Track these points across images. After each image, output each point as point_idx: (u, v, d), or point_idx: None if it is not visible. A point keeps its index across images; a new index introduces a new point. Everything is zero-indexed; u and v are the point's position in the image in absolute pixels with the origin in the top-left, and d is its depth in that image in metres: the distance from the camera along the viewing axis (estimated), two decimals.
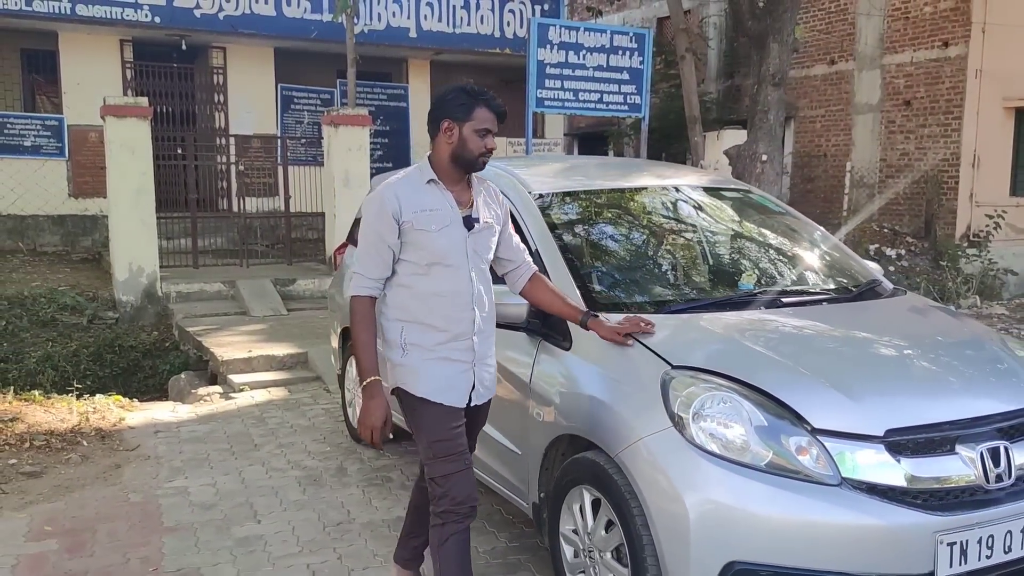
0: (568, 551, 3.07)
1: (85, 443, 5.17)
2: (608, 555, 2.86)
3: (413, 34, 14.42)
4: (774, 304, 3.32)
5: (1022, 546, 2.63)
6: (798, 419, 2.61)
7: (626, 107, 12.43)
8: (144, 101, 8.64)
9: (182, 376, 7.18)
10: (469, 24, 14.87)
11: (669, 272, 3.66)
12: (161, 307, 8.75)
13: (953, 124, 14.10)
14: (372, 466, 4.88)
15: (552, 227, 3.52)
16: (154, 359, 8.10)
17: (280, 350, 7.21)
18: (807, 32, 16.39)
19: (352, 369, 5.26)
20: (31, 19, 12.03)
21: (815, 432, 2.58)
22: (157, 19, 12.62)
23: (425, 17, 14.51)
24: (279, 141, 12.66)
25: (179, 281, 9.13)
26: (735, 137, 12.02)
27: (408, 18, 14.36)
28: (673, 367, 2.79)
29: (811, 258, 3.83)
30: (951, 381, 2.92)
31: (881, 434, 2.57)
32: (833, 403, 2.65)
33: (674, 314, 3.19)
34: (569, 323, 3.13)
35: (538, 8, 15.37)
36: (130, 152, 8.46)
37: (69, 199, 12.31)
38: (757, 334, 3.06)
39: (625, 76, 12.25)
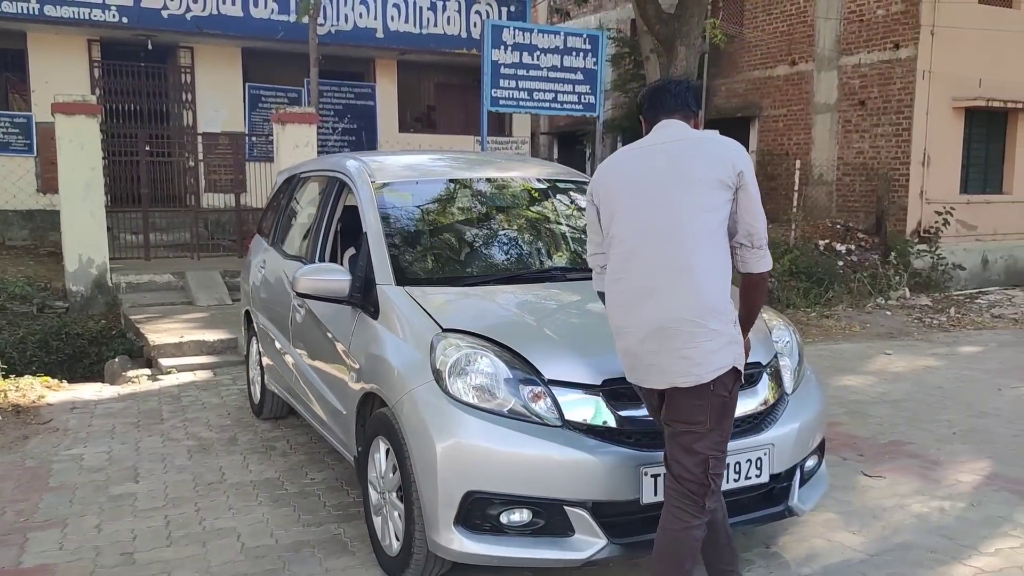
0: (373, 495, 3.48)
1: (1, 417, 5.58)
2: (394, 495, 3.27)
3: (380, 35, 14.81)
4: (560, 279, 3.74)
5: (728, 479, 3.01)
6: (535, 371, 3.00)
7: (580, 106, 12.80)
8: (92, 99, 9.05)
9: (116, 360, 7.58)
10: (436, 25, 15.25)
11: (476, 252, 4.07)
12: (111, 297, 9.16)
13: (904, 124, 14.43)
14: (262, 437, 5.28)
15: (383, 211, 3.92)
16: (100, 346, 8.48)
17: (213, 336, 7.61)
18: (768, 34, 16.76)
19: (255, 348, 5.68)
20: (2, 20, 12.47)
21: (547, 382, 2.98)
22: (124, 19, 13.03)
23: (392, 18, 14.90)
24: (247, 139, 13.10)
25: (129, 272, 9.54)
26: None
27: (375, 19, 14.75)
28: (443, 330, 3.19)
29: None
30: None
31: (599, 383, 2.97)
32: (565, 358, 3.05)
33: (468, 286, 3.60)
34: (379, 296, 3.53)
35: (504, 10, 15.71)
36: (79, 147, 8.86)
37: (38, 194, 12.72)
38: (528, 303, 3.50)
39: (579, 76, 12.61)
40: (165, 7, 13.20)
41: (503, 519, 2.94)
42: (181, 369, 7.05)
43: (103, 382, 7.18)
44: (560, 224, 4.29)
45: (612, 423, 2.97)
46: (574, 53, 12.52)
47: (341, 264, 4.44)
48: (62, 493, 4.31)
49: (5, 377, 6.41)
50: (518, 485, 2.90)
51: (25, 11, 12.42)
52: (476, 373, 3.04)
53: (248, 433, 5.36)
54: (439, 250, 4.02)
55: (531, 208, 4.33)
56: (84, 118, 8.89)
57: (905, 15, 14.28)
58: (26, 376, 6.59)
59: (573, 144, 21.94)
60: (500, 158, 4.92)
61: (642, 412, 2.97)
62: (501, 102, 12.23)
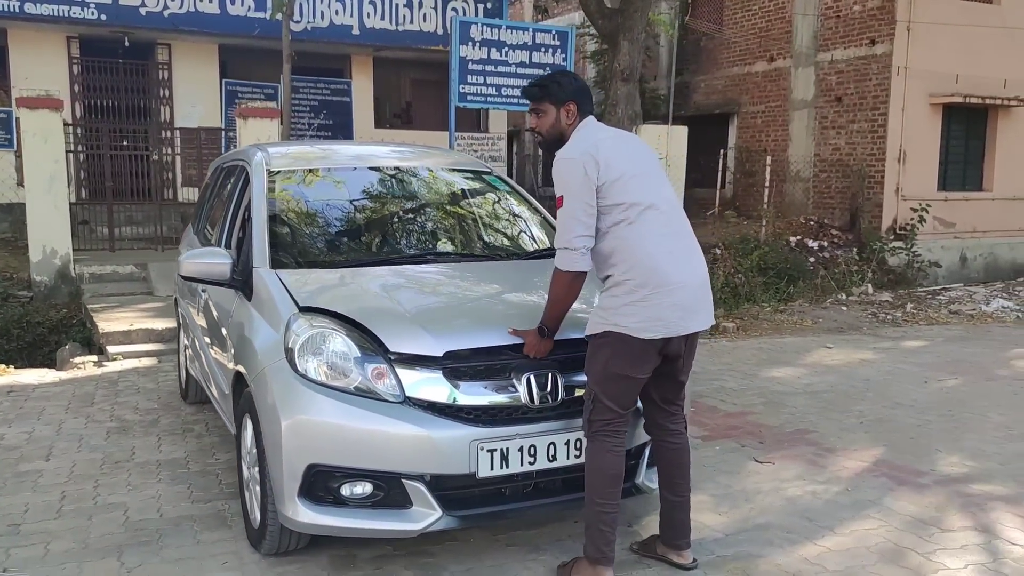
0: (244, 471, 3.61)
1: None
2: (255, 469, 3.39)
3: (356, 31, 14.95)
4: (435, 261, 3.88)
5: (568, 456, 3.14)
6: (380, 347, 3.13)
7: None
8: (56, 93, 9.21)
9: (67, 347, 7.74)
10: (412, 22, 15.37)
11: (359, 237, 4.20)
12: (74, 287, 9.32)
13: (879, 120, 14.47)
14: (184, 420, 5.42)
15: (270, 197, 4.05)
16: (60, 334, 8.64)
17: (163, 324, 7.76)
18: (747, 30, 16.82)
19: (181, 335, 5.82)
20: None
21: (390, 358, 3.09)
22: (103, 16, 13.21)
23: (368, 15, 15.03)
24: (223, 133, 13.24)
25: (93, 263, 9.72)
26: (651, 132, 12.44)
27: (351, 16, 14.89)
28: (300, 309, 3.31)
29: (508, 228, 4.37)
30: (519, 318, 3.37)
31: (440, 355, 3.10)
32: (411, 333, 3.19)
33: (344, 269, 3.73)
34: (255, 278, 3.66)
35: (480, 7, 15.82)
36: (43, 141, 9.03)
37: (18, 188, 12.87)
38: (394, 284, 3.61)
39: (546, 72, 12.72)
40: (143, 5, 13.37)
41: (344, 491, 3.06)
42: (128, 356, 7.21)
43: (55, 368, 7.33)
44: (448, 210, 4.42)
45: (450, 400, 3.08)
46: (543, 49, 12.59)
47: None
48: None
49: None
50: (358, 459, 3.03)
51: (5, 8, 12.62)
52: (325, 352, 3.16)
53: (171, 416, 5.50)
54: (322, 236, 4.16)
55: (422, 196, 4.45)
56: (47, 112, 9.06)
57: (881, 11, 14.32)
58: None
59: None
60: (413, 150, 5.01)
61: (479, 390, 3.10)
62: (469, 98, 12.32)
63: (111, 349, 7.32)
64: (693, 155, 18.59)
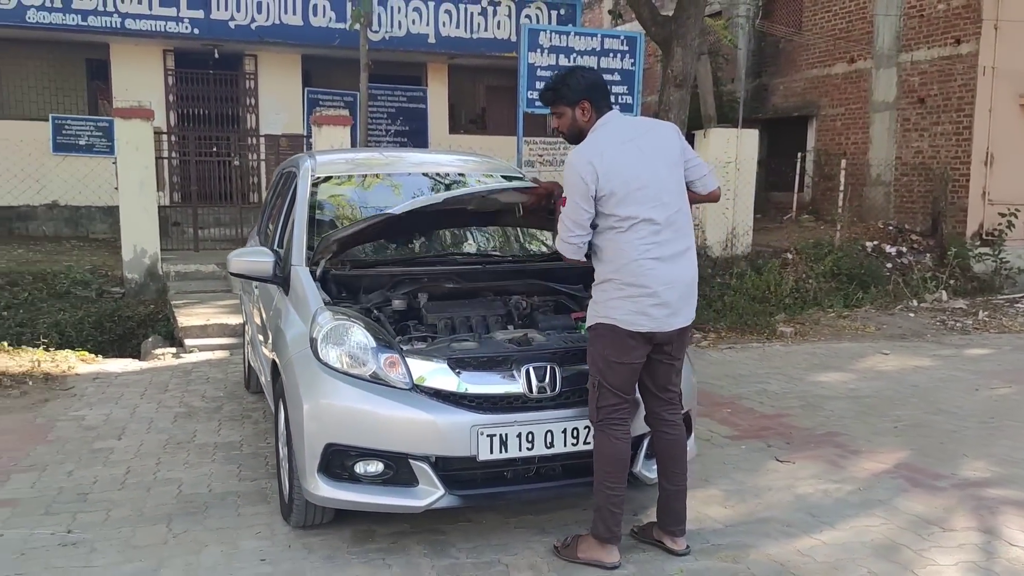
0: (280, 451, 3.95)
1: (31, 383, 6.34)
2: (287, 449, 3.72)
3: (432, 40, 15.43)
4: (452, 263, 4.17)
5: (564, 443, 3.37)
6: (393, 339, 3.41)
7: (618, 107, 13.03)
8: (147, 104, 9.88)
9: (150, 339, 8.34)
10: (486, 30, 15.76)
11: (390, 238, 4.51)
12: (161, 284, 9.98)
13: (965, 122, 14.07)
14: (244, 408, 5.84)
15: (312, 201, 4.40)
16: (147, 328, 9.29)
17: (236, 320, 8.25)
18: (827, 31, 16.56)
19: (249, 329, 6.26)
20: (87, 33, 13.66)
21: (403, 352, 3.38)
22: (196, 31, 14.05)
23: (443, 24, 15.49)
24: (305, 140, 13.87)
25: (179, 262, 10.37)
26: (720, 136, 12.48)
27: (427, 25, 15.38)
28: (325, 303, 3.63)
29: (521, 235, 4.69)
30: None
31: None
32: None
33: (367, 268, 4.06)
34: (291, 275, 4.00)
35: (554, 13, 16.08)
36: (135, 148, 9.71)
37: (115, 192, 13.80)
38: (405, 280, 3.90)
39: (616, 77, 12.85)
40: (232, 18, 14.15)
41: (358, 469, 3.36)
42: (203, 349, 7.73)
43: (138, 359, 7.92)
44: (475, 215, 4.70)
45: (453, 388, 3.35)
46: (611, 55, 12.76)
47: None
48: (55, 445, 4.96)
49: (46, 350, 7.21)
50: (370, 440, 3.32)
51: (109, 25, 13.57)
52: (345, 343, 3.46)
53: (233, 404, 5.93)
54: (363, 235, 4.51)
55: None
56: (139, 122, 9.73)
57: (967, 9, 13.92)
58: (65, 350, 7.38)
59: None
60: (453, 158, 5.31)
61: (481, 379, 3.36)
62: (536, 103, 12.59)
63: (188, 342, 7.86)
64: (771, 158, 18.52)
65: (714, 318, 9.43)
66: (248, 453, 4.86)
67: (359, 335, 3.46)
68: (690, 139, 14.65)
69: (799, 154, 16.39)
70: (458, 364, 3.39)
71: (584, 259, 3.40)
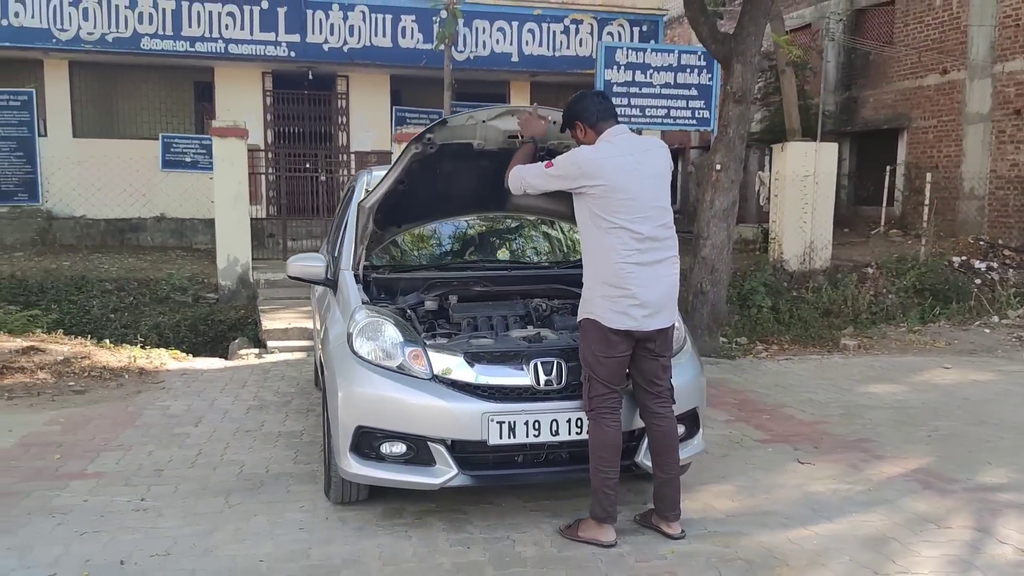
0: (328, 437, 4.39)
1: (127, 376, 7.03)
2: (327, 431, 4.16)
3: (515, 59, 15.90)
4: (481, 268, 4.55)
5: (569, 432, 3.69)
6: (418, 335, 3.81)
7: (694, 121, 13.30)
8: (242, 123, 10.66)
9: (236, 341, 9.02)
10: (568, 48, 16.14)
11: (431, 246, 4.92)
12: (252, 291, 10.72)
13: None
14: (311, 402, 6.34)
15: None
16: (237, 331, 10.02)
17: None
18: (919, 42, 16.25)
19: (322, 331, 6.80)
20: (195, 58, 14.69)
21: (426, 346, 3.77)
22: (292, 54, 14.92)
23: (527, 43, 15.94)
24: (392, 157, 14.55)
25: (268, 270, 11.09)
26: (798, 149, 12.47)
27: (511, 44, 15.87)
28: (363, 302, 4.06)
29: (546, 242, 5.04)
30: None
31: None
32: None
33: (404, 272, 4.48)
34: (339, 278, 4.46)
35: (636, 30, 16.32)
36: (230, 165, 10.49)
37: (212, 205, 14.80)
38: (438, 283, 4.30)
39: (693, 92, 13.09)
40: (326, 41, 14.97)
41: (384, 449, 3.75)
42: (283, 350, 8.34)
43: (225, 359, 8.59)
44: (504, 226, 5.07)
45: (468, 379, 3.71)
46: (688, 70, 13.00)
47: None
48: (140, 429, 5.56)
49: (143, 348, 7.94)
50: (394, 423, 3.72)
51: (213, 50, 14.57)
52: (376, 337, 3.88)
53: (302, 399, 6.45)
54: (402, 244, 4.93)
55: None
56: (234, 140, 10.52)
57: None
58: (159, 349, 8.10)
59: None
60: None
61: (493, 372, 3.72)
62: None
63: (270, 344, 8.48)
64: (861, 171, 18.23)
65: (778, 330, 9.51)
66: (307, 441, 5.33)
67: (389, 331, 3.87)
68: (770, 152, 14.65)
69: (888, 167, 16.09)
70: (473, 358, 3.76)
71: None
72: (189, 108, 16.12)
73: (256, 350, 8.45)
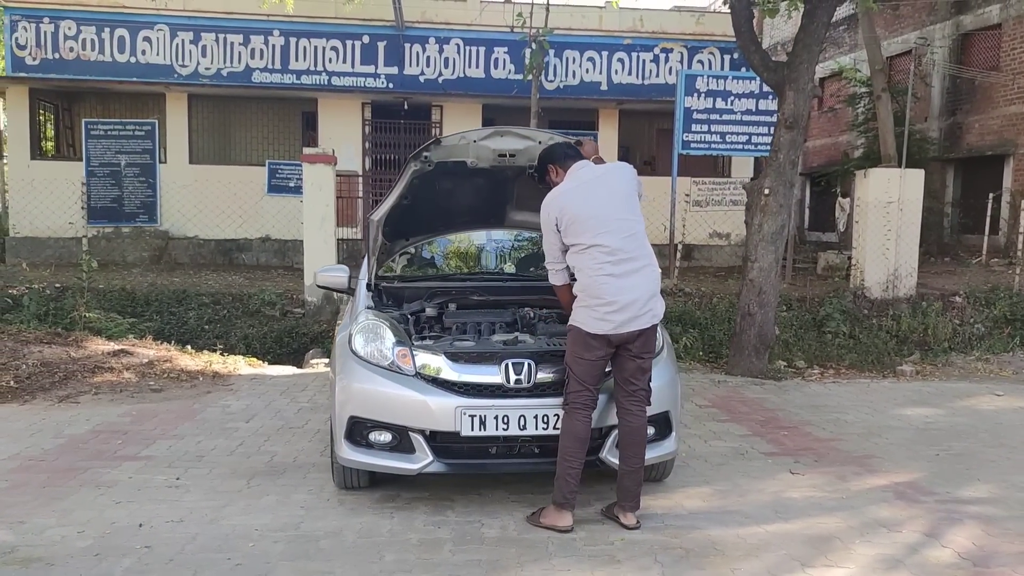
0: None
1: (201, 379, 7.77)
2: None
3: (604, 87, 16.35)
4: (482, 279, 4.98)
5: (536, 427, 4.05)
6: (409, 337, 4.26)
7: None
8: (330, 151, 11.47)
9: (311, 351, 9.71)
10: (657, 76, 16.46)
11: (440, 260, 5.37)
12: (336, 307, 11.45)
13: None
14: None
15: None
16: (318, 344, 10.75)
17: None
18: None
19: None
20: (300, 90, 15.85)
21: (413, 347, 4.21)
22: (390, 85, 15.88)
23: (615, 72, 16.37)
24: None
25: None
26: (881, 176, 12.32)
27: (600, 73, 16.33)
28: (368, 307, 4.55)
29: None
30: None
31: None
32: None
33: (409, 282, 4.95)
34: (357, 287, 4.98)
35: (727, 58, 16.46)
36: (318, 189, 11.30)
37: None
38: (439, 292, 4.73)
39: (775, 119, 13.11)
40: (422, 73, 15.85)
41: (372, 438, 4.20)
42: None
43: (298, 367, 9.28)
44: (503, 240, 5.45)
45: (445, 376, 4.13)
46: (771, 97, 13.04)
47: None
48: (198, 423, 6.21)
49: (221, 354, 8.72)
50: (380, 414, 4.16)
51: (318, 82, 15.72)
52: (371, 338, 4.35)
53: None
54: (411, 256, 5.41)
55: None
56: (322, 166, 11.32)
57: None
58: (236, 355, 8.86)
59: (828, 185, 21.54)
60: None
61: (469, 370, 4.13)
62: (692, 145, 13.12)
63: None
64: (965, 198, 17.62)
65: (839, 355, 9.46)
66: None
67: (383, 333, 4.34)
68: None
69: (991, 195, 15.55)
70: (452, 357, 4.17)
71: (568, 281, 4.21)
72: (295, 136, 17.27)
73: (326, 359, 9.10)
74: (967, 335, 10.76)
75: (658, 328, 4.22)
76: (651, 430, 4.28)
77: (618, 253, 3.98)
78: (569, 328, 4.08)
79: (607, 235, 3.98)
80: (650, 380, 4.10)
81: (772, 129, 13.18)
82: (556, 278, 4.29)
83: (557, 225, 4.07)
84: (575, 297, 4.10)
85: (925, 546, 3.78)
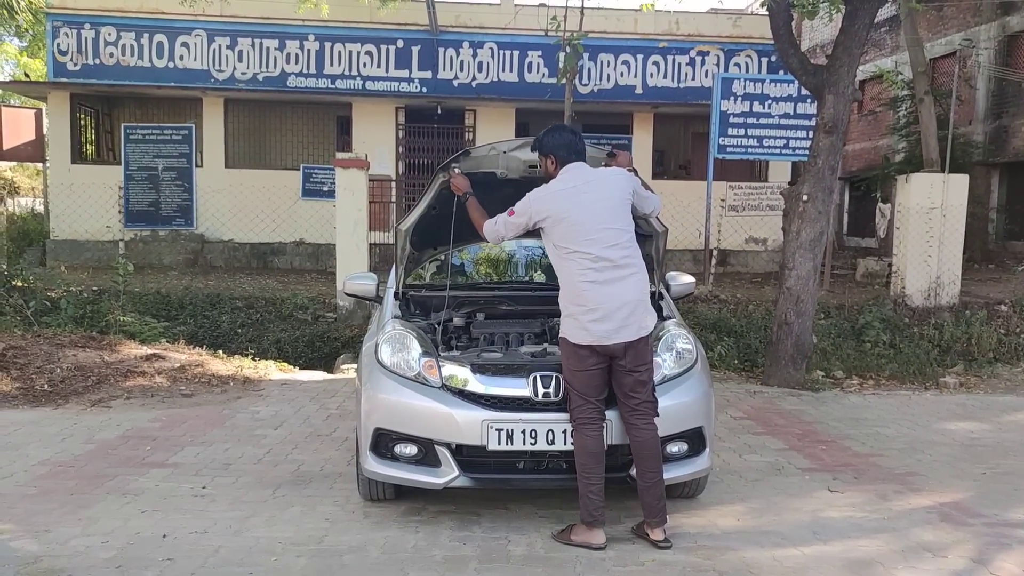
0: None
1: (232, 384, 7.76)
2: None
3: (639, 91, 16.18)
4: (510, 288, 4.88)
5: (565, 442, 3.94)
6: (436, 348, 4.18)
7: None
8: (363, 155, 11.45)
9: (342, 356, 9.68)
10: (693, 79, 16.26)
11: (463, 270, 5.29)
12: (368, 311, 11.43)
13: None
14: None
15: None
16: (349, 348, 10.71)
17: None
18: None
19: None
20: (335, 94, 15.89)
21: (440, 358, 4.13)
22: (424, 89, 15.86)
23: (651, 75, 16.20)
24: None
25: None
26: (924, 181, 12.02)
27: (635, 77, 16.17)
28: (395, 317, 4.47)
29: None
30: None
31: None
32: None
33: (437, 291, 4.87)
34: (385, 295, 4.91)
35: (764, 60, 16.22)
36: (351, 193, 11.28)
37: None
38: (467, 301, 4.64)
39: (812, 123, 12.87)
40: (456, 77, 15.81)
41: (397, 450, 4.12)
42: None
43: (330, 372, 9.26)
44: (531, 249, 5.35)
45: (471, 388, 4.03)
46: (809, 100, 12.80)
47: None
48: (226, 429, 6.19)
49: (252, 359, 8.72)
50: (406, 426, 4.08)
51: (352, 87, 15.75)
52: (398, 349, 4.27)
53: None
54: (439, 265, 5.33)
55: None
56: (355, 171, 11.30)
57: None
58: (267, 360, 8.85)
59: (868, 190, 21.14)
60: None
61: (496, 383, 4.03)
62: (728, 149, 12.93)
63: None
64: (1012, 204, 17.18)
65: (879, 365, 9.22)
66: None
67: (410, 344, 4.26)
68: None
69: None
70: (479, 370, 4.08)
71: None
72: (330, 141, 17.32)
73: (356, 365, 9.05)
74: (1013, 345, 10.42)
75: (675, 336, 4.30)
76: (684, 446, 4.16)
77: (601, 261, 3.90)
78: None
79: (592, 244, 3.91)
80: (653, 391, 3.98)
81: (810, 133, 13.01)
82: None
83: (536, 222, 4.05)
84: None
85: (973, 573, 3.61)
